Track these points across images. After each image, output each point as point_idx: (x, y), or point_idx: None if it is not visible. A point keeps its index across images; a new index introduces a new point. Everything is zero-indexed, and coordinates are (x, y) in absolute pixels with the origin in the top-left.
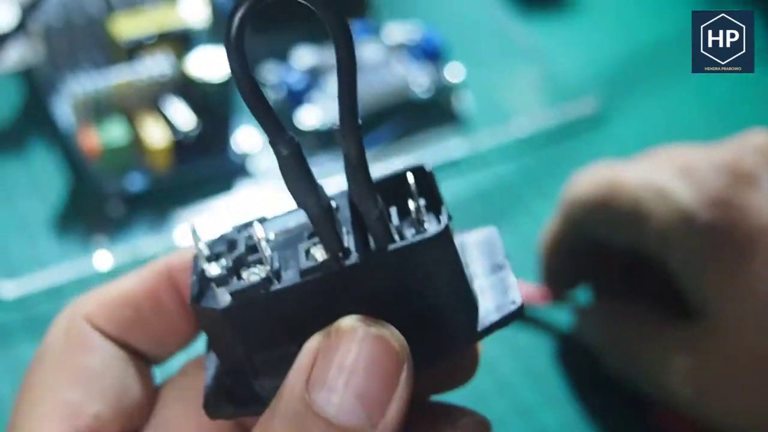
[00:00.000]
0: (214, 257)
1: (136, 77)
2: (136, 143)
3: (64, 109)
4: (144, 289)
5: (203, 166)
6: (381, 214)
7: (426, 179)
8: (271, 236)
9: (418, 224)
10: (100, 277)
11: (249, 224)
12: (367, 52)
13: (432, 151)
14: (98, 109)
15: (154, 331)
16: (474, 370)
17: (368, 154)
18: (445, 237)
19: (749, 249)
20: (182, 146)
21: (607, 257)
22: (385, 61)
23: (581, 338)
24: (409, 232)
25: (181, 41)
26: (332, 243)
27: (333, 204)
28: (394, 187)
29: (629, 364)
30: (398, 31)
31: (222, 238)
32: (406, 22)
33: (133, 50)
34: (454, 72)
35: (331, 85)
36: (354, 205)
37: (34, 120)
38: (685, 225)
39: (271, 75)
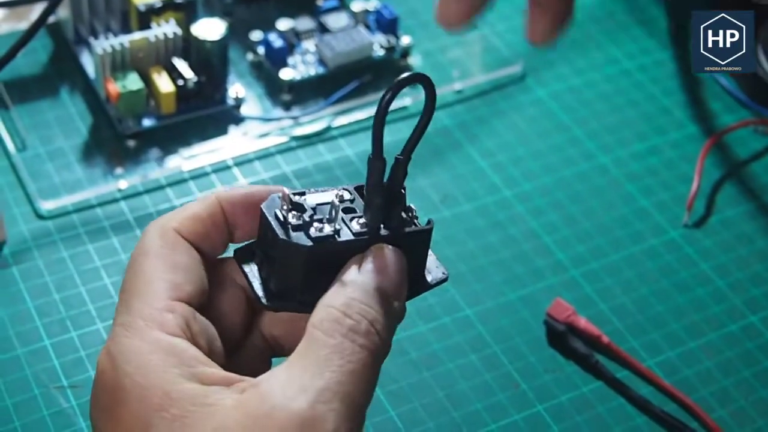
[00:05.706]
0: (288, 210)
1: (149, 37)
2: (148, 90)
3: (90, 62)
4: (207, 212)
5: (202, 110)
6: (400, 209)
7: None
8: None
9: (412, 220)
10: (118, 195)
11: (303, 193)
12: (337, 19)
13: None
14: (118, 62)
15: (211, 239)
16: None
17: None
18: (430, 231)
19: None
20: (185, 93)
21: None
22: (352, 27)
23: None
24: (407, 224)
25: (185, 9)
26: (376, 221)
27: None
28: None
29: None
30: (361, 5)
31: (288, 198)
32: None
33: (147, 14)
34: (404, 39)
35: (303, 45)
36: (387, 199)
37: (66, 69)
38: None
39: (256, 37)
